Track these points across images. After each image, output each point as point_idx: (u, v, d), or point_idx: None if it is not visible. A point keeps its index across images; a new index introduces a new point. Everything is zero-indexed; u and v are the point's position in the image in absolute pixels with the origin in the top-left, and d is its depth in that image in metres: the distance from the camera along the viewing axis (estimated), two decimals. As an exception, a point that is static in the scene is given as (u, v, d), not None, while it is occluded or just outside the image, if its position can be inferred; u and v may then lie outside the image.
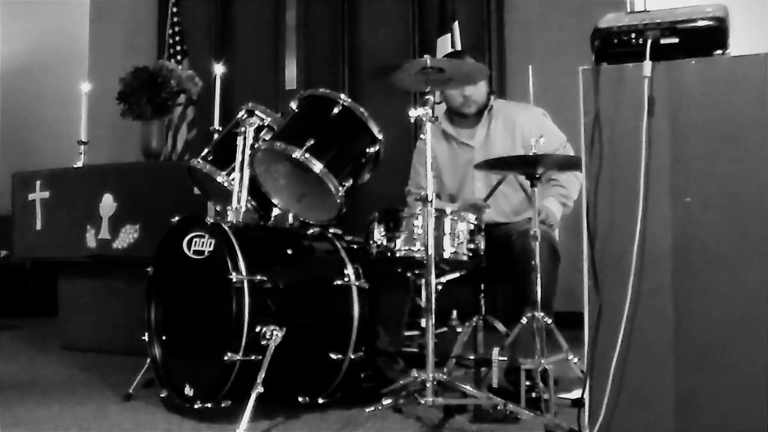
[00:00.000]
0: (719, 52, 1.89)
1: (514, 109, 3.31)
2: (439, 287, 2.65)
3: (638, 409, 1.86)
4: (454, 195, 3.30)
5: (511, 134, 3.23)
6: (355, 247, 2.85)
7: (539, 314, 2.60)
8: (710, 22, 1.88)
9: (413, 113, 2.52)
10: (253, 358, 2.44)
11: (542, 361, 2.51)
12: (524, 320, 2.64)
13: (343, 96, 2.80)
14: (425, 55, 2.50)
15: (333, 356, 2.66)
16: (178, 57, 6.03)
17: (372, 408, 2.32)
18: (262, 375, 2.40)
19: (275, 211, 2.98)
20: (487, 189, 3.17)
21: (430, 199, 2.40)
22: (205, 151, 3.11)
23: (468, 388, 2.44)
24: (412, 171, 3.45)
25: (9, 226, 4.54)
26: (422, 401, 2.32)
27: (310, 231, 2.90)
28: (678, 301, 1.84)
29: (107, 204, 4.04)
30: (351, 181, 2.74)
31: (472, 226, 2.63)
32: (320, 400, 2.69)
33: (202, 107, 5.29)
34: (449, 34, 5.25)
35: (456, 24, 5.28)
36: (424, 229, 2.44)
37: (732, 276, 1.81)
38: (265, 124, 2.96)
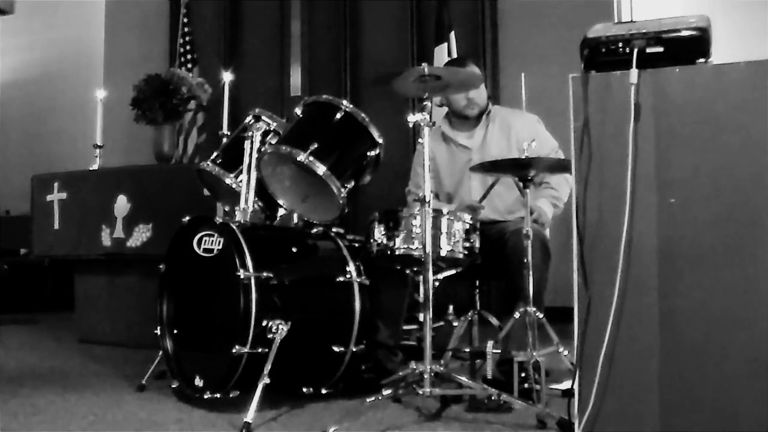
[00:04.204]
0: (702, 60, 1.89)
1: (510, 115, 3.31)
2: (436, 283, 2.64)
3: (625, 399, 1.86)
4: (451, 194, 3.30)
5: (506, 138, 3.23)
6: (356, 245, 2.85)
7: (531, 309, 2.60)
8: (693, 32, 1.88)
9: (411, 118, 2.51)
10: (259, 350, 2.44)
11: (534, 354, 2.51)
12: (517, 314, 2.64)
13: (345, 102, 2.80)
14: (423, 64, 2.49)
15: (335, 349, 2.66)
16: (189, 65, 6.03)
17: (373, 398, 2.32)
18: (268, 367, 2.40)
19: (281, 212, 2.98)
20: (483, 189, 3.17)
21: (427, 200, 2.40)
22: (215, 154, 3.11)
23: (464, 379, 2.44)
24: (412, 172, 3.44)
25: (28, 225, 4.54)
26: (420, 392, 2.31)
27: (314, 230, 2.89)
28: (663, 297, 1.84)
29: (121, 204, 4.03)
30: (352, 183, 2.73)
31: (467, 226, 2.63)
32: (323, 391, 2.69)
33: (211, 113, 5.30)
34: (446, 43, 5.26)
35: (452, 33, 5.28)
36: (422, 229, 2.44)
37: (715, 273, 1.81)
38: (272, 129, 2.96)
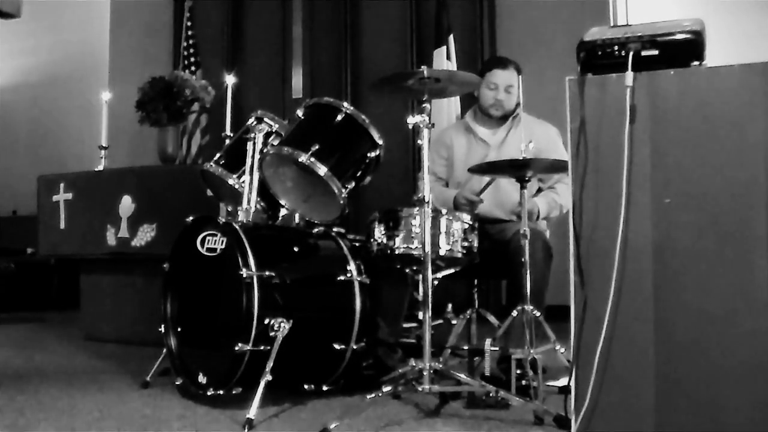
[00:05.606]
0: (696, 63, 1.89)
1: (535, 123, 3.30)
2: (436, 282, 2.64)
3: (621, 395, 1.86)
4: (461, 184, 3.31)
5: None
6: (357, 244, 2.85)
7: (528, 307, 2.60)
8: (688, 36, 1.88)
9: (411, 120, 2.51)
10: (262, 348, 2.44)
11: (531, 351, 2.51)
12: (515, 313, 2.64)
13: (345, 104, 2.80)
14: (423, 66, 2.49)
15: (336, 346, 2.66)
16: (193, 68, 6.02)
17: (373, 395, 2.32)
18: (270, 364, 2.40)
19: (282, 212, 2.98)
20: (493, 185, 3.17)
21: (426, 200, 2.40)
22: (218, 155, 3.11)
23: (462, 376, 2.44)
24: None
25: (35, 225, 4.54)
26: (420, 388, 2.31)
27: (315, 230, 2.89)
28: (658, 296, 1.84)
29: (126, 205, 4.03)
30: (353, 184, 2.73)
31: (466, 226, 2.63)
32: (324, 388, 2.69)
33: (214, 115, 5.30)
34: (445, 46, 5.25)
35: (451, 37, 5.28)
36: (421, 228, 2.44)
37: (708, 272, 1.81)
38: (273, 131, 2.96)
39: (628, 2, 4.00)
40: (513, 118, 3.33)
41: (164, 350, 2.80)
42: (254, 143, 2.85)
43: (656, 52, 1.88)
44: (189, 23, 6.18)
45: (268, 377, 2.38)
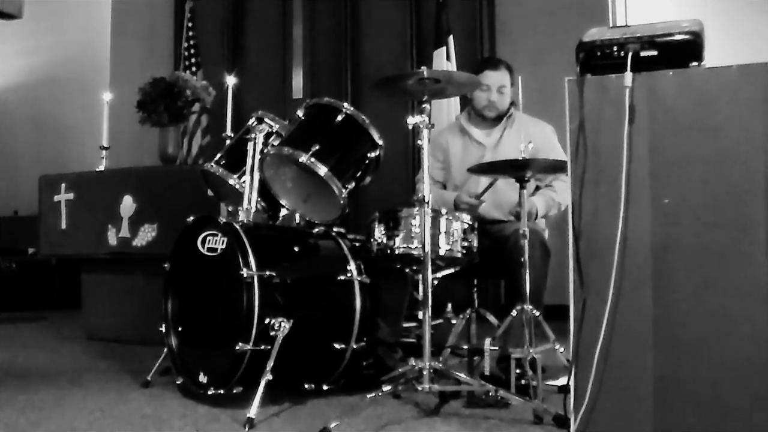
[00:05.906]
0: (695, 63, 1.89)
1: (530, 121, 3.30)
2: (435, 282, 2.64)
3: (620, 395, 1.86)
4: (459, 186, 3.31)
5: (522, 143, 3.22)
6: (357, 244, 2.85)
7: (528, 307, 2.60)
8: (687, 36, 1.88)
9: (411, 120, 2.51)
10: (262, 347, 2.44)
11: (531, 351, 2.51)
12: (514, 312, 2.64)
13: (346, 104, 2.80)
14: (422, 67, 2.49)
15: (337, 346, 2.66)
16: (193, 68, 6.03)
17: (373, 394, 2.32)
18: (270, 363, 2.40)
19: (283, 212, 2.98)
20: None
21: (426, 201, 2.40)
22: (218, 155, 3.11)
23: (462, 375, 2.44)
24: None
25: (36, 225, 4.54)
26: (419, 388, 2.31)
27: (316, 230, 2.89)
28: (657, 295, 1.84)
29: (127, 205, 4.04)
30: (353, 184, 2.74)
31: (466, 226, 2.63)
32: (325, 387, 2.69)
33: (215, 115, 5.30)
34: (444, 47, 5.26)
35: (451, 37, 5.28)
36: (421, 228, 2.44)
37: (708, 272, 1.81)
38: (274, 131, 2.96)
39: (627, 3, 4.00)
40: (507, 118, 3.32)
41: (165, 350, 2.80)
42: (255, 143, 2.86)
43: (655, 53, 1.88)
44: (190, 24, 6.19)
45: (269, 376, 2.38)
